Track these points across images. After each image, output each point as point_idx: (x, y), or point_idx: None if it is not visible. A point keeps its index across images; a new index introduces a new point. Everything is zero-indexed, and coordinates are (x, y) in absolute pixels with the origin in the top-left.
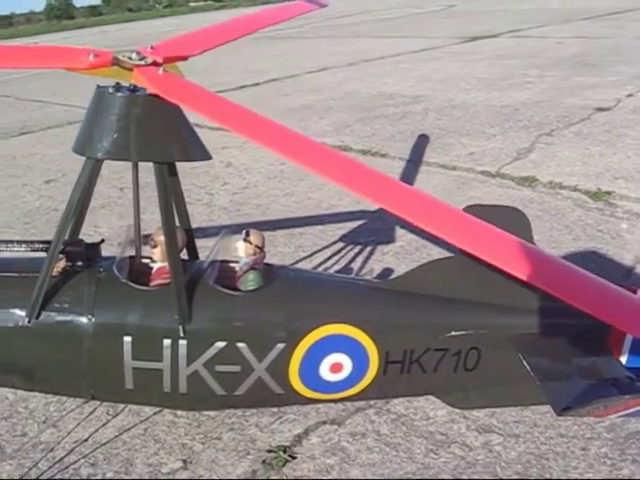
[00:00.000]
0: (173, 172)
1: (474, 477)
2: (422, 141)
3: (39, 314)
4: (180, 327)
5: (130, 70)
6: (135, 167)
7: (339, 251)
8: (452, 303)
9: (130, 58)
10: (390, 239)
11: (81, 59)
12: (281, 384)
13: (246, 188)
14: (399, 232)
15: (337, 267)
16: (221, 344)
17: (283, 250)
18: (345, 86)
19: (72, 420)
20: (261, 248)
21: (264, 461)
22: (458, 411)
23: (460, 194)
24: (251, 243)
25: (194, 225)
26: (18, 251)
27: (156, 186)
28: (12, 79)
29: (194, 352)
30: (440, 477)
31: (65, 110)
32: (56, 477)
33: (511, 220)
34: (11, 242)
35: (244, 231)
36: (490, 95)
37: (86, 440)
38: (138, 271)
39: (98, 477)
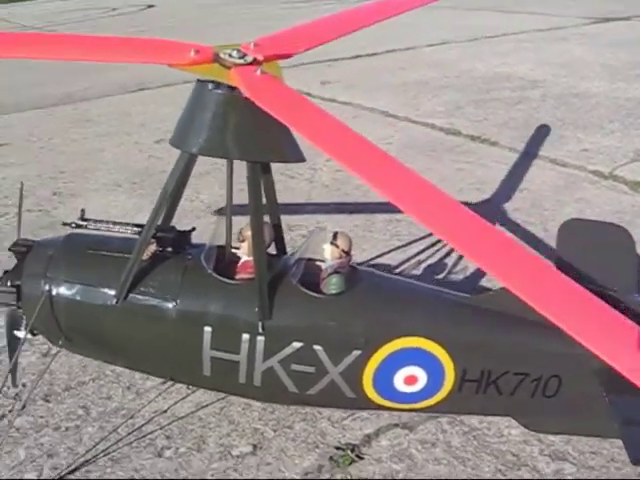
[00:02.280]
0: (267, 170)
1: None
2: (535, 131)
3: (127, 296)
4: (260, 323)
5: (229, 68)
6: (229, 164)
7: (435, 244)
8: (538, 327)
9: (230, 56)
10: None
11: (183, 55)
12: (354, 389)
13: None
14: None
15: (430, 261)
16: (298, 344)
17: (378, 237)
18: (463, 63)
19: (154, 390)
20: (347, 252)
21: (331, 457)
22: (533, 433)
23: (568, 194)
24: (337, 247)
25: (293, 200)
26: (114, 231)
27: (247, 184)
28: (139, 31)
29: (271, 349)
30: None
31: None
32: (133, 444)
33: (612, 239)
34: (108, 222)
35: (332, 234)
36: (615, 85)
37: (165, 412)
38: (225, 263)
39: (171, 450)
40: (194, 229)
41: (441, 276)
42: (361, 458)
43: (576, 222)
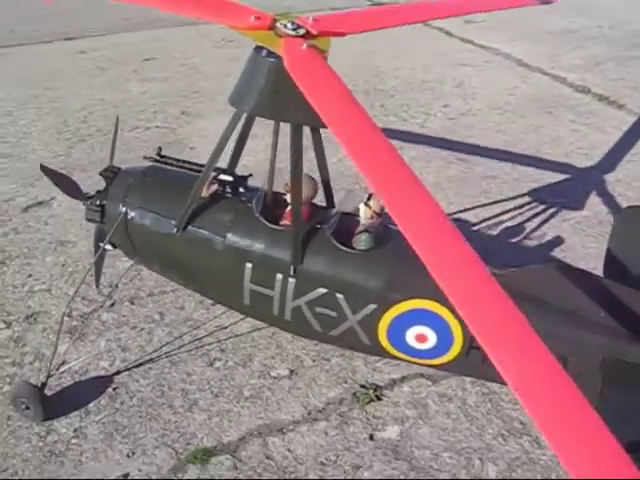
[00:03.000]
0: (316, 131)
1: (527, 475)
2: None
3: (185, 227)
4: (292, 267)
5: (280, 37)
6: (276, 124)
7: (521, 206)
8: (551, 311)
9: (285, 26)
10: (578, 205)
11: (243, 18)
12: (370, 338)
13: (464, 115)
14: (592, 200)
15: (510, 223)
16: (323, 290)
17: (468, 191)
18: (624, 13)
19: (221, 308)
20: (379, 214)
21: (354, 394)
22: None
23: None
24: (370, 207)
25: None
26: (185, 168)
27: (290, 143)
28: None
29: (300, 290)
30: (496, 463)
31: None
32: (192, 352)
33: None
34: (180, 161)
35: (367, 195)
36: None
37: (225, 328)
38: (274, 208)
39: (222, 362)
40: (251, 175)
41: (513, 240)
42: (380, 399)
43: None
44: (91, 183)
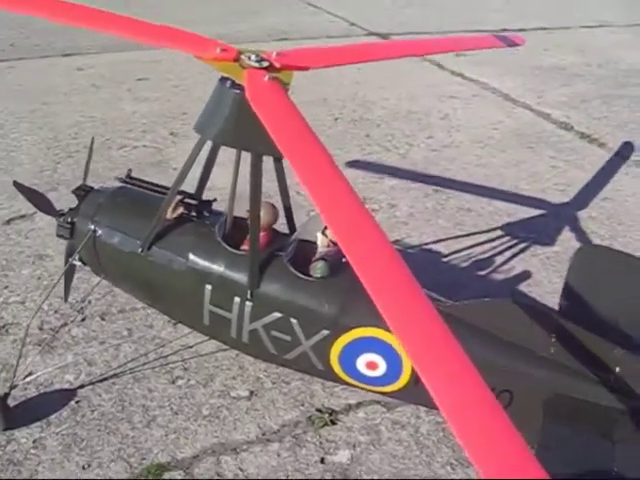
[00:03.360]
0: (278, 159)
1: None
2: None
3: (150, 247)
4: (249, 290)
5: (244, 69)
6: (238, 152)
7: (493, 239)
8: (501, 344)
9: (249, 58)
10: (549, 241)
11: (209, 50)
12: (323, 364)
13: (446, 147)
14: (564, 236)
15: (481, 256)
16: (278, 314)
17: (442, 223)
18: (612, 51)
19: (187, 328)
20: (335, 243)
21: (310, 417)
22: None
23: None
24: (327, 236)
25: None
26: (153, 191)
27: (250, 171)
28: None
29: (256, 314)
30: None
31: (330, 22)
32: (155, 369)
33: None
34: (149, 183)
35: (324, 225)
36: None
37: (190, 347)
38: (236, 233)
39: (184, 380)
40: (215, 200)
41: (482, 272)
42: (334, 423)
43: (597, 249)
44: (69, 201)
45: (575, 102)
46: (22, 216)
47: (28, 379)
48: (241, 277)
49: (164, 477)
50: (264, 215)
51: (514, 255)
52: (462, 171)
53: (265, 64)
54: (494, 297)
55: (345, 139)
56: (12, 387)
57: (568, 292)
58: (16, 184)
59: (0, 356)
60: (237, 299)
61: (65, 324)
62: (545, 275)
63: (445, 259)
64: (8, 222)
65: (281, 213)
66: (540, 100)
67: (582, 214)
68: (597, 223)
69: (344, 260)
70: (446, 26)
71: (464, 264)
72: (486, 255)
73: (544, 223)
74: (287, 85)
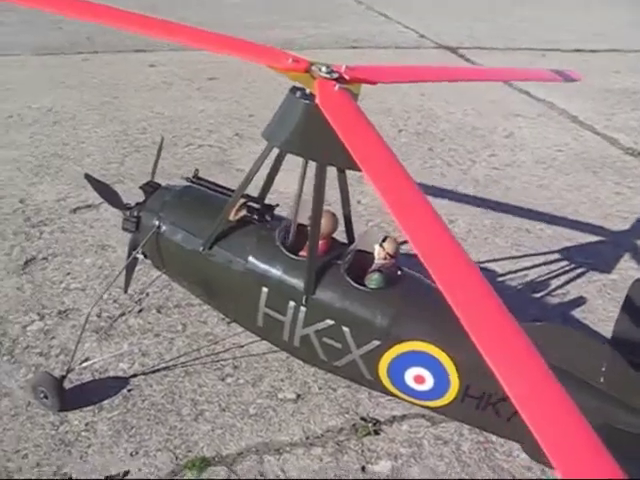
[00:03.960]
0: (342, 171)
1: None
2: None
3: (211, 247)
4: (304, 297)
5: (315, 79)
6: (305, 162)
7: (550, 262)
8: (550, 366)
9: (320, 70)
10: (607, 268)
11: (281, 60)
12: (371, 373)
13: (509, 165)
14: (622, 264)
15: (537, 279)
16: (331, 322)
17: (499, 242)
18: None
19: (240, 327)
20: (392, 256)
21: (354, 425)
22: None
23: None
24: (384, 249)
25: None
26: (218, 192)
27: (314, 181)
28: None
29: (309, 319)
30: None
31: (399, 32)
32: (206, 365)
33: None
34: (215, 184)
35: (383, 236)
36: None
37: (241, 346)
38: (296, 239)
39: (233, 378)
40: (278, 205)
41: (536, 295)
42: (377, 433)
43: None
44: (135, 194)
45: None
46: (88, 206)
47: (84, 365)
48: (297, 282)
49: (207, 471)
50: (324, 223)
51: (570, 280)
52: (523, 191)
53: (335, 75)
54: (547, 321)
55: (408, 151)
56: (69, 371)
57: (622, 322)
58: (87, 176)
59: (60, 340)
60: (292, 303)
61: (123, 314)
62: (600, 303)
63: (500, 279)
64: (74, 211)
65: (341, 222)
66: (608, 124)
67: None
68: None
69: (400, 273)
70: (516, 44)
71: (519, 286)
72: (542, 278)
73: (603, 250)
74: (356, 96)
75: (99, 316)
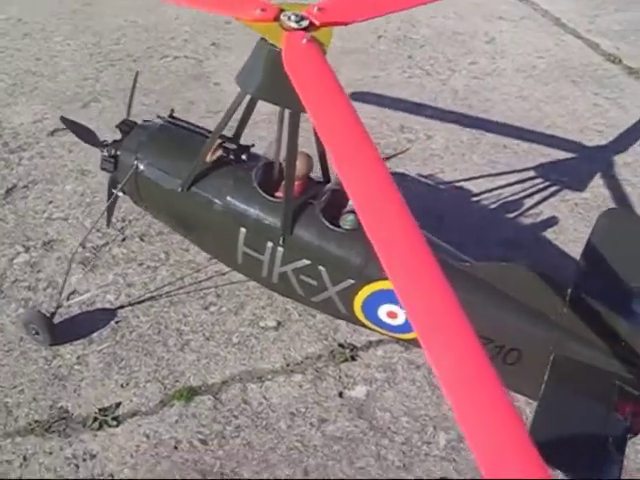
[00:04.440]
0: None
1: None
2: None
3: (189, 187)
4: (281, 237)
5: (284, 30)
6: (281, 111)
7: (524, 180)
8: (516, 306)
9: (289, 19)
10: (580, 186)
11: (248, 11)
12: (347, 309)
13: (489, 75)
14: (595, 182)
15: (510, 197)
16: (307, 261)
17: (476, 159)
18: None
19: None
20: None
21: (332, 352)
22: None
23: None
24: None
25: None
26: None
27: (288, 126)
28: None
29: (286, 258)
30: (448, 432)
31: None
32: (190, 294)
33: None
34: (190, 124)
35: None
36: None
37: (223, 274)
38: (272, 180)
39: (216, 307)
40: (253, 145)
41: (509, 215)
42: (354, 359)
43: (619, 213)
44: (115, 112)
45: (628, 31)
46: (65, 128)
47: (72, 299)
48: (274, 223)
49: (194, 400)
50: (299, 165)
51: (543, 199)
52: (502, 103)
53: (304, 23)
54: (521, 241)
55: (387, 60)
56: (58, 306)
57: (587, 257)
58: (62, 119)
59: (46, 273)
60: (270, 244)
61: (107, 243)
62: (572, 223)
63: (475, 198)
64: (52, 133)
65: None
66: (591, 27)
67: (617, 159)
68: (631, 170)
69: None
70: None
71: (493, 205)
72: (515, 197)
73: (577, 166)
74: (325, 45)
75: (83, 247)
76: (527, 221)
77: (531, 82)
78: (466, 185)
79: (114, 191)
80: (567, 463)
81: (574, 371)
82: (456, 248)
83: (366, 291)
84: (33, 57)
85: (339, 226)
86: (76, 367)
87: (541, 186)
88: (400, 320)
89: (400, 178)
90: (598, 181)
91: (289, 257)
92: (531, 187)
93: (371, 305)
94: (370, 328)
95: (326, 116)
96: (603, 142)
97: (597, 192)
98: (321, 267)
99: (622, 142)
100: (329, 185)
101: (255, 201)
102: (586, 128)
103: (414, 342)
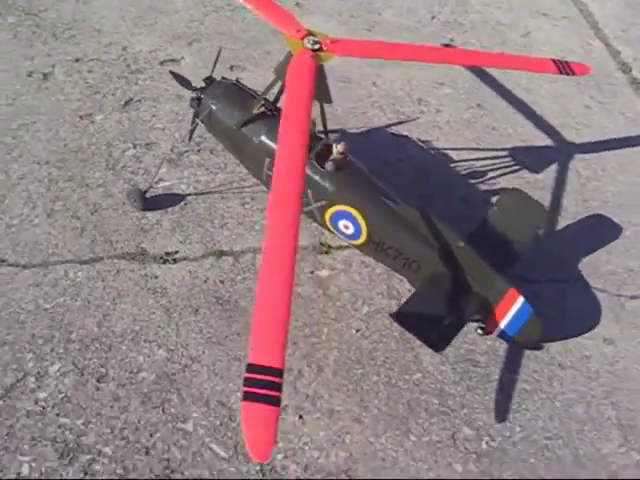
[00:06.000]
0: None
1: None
2: None
3: (240, 127)
4: None
5: (302, 46)
6: None
7: (496, 158)
8: (419, 233)
9: (309, 41)
10: (538, 169)
11: (289, 28)
12: (321, 220)
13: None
14: (552, 168)
15: (479, 169)
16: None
17: (467, 135)
18: None
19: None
20: (342, 153)
21: (314, 246)
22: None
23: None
24: (337, 149)
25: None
26: (249, 93)
27: None
28: None
29: None
30: (370, 305)
31: None
32: (235, 193)
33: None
34: (247, 87)
35: (335, 142)
36: None
37: (257, 185)
38: None
39: (250, 205)
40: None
41: (470, 181)
42: (327, 253)
43: (515, 191)
44: (210, 51)
45: None
46: (172, 60)
47: (159, 185)
48: None
49: (222, 258)
50: None
51: (504, 174)
52: (507, 93)
53: (317, 47)
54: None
55: (430, 41)
56: (150, 187)
57: (487, 219)
58: (171, 72)
59: (145, 164)
60: None
61: (187, 151)
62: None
63: (450, 164)
64: (162, 63)
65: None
66: (622, 34)
67: (577, 153)
68: (584, 163)
69: (348, 161)
70: None
71: (461, 172)
72: (483, 169)
73: (545, 154)
74: (322, 62)
75: (172, 150)
76: (483, 187)
77: (540, 78)
78: (450, 153)
79: (196, 119)
80: (412, 325)
81: (444, 279)
82: (424, 198)
83: (333, 209)
84: None
85: (324, 167)
86: (155, 226)
87: (507, 164)
88: (351, 231)
89: (403, 139)
90: (554, 167)
91: None
92: (499, 164)
93: (335, 219)
94: (334, 233)
95: (288, 110)
96: (575, 139)
97: (548, 176)
98: (309, 190)
99: (592, 141)
100: (322, 141)
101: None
102: (567, 125)
103: (359, 247)
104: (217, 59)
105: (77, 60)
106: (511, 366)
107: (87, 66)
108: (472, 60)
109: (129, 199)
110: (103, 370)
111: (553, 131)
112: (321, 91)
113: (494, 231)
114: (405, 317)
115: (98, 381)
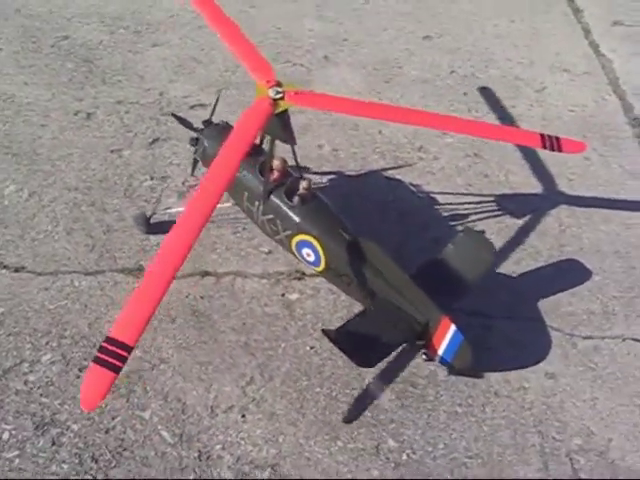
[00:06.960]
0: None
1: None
2: None
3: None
4: (262, 200)
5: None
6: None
7: (482, 202)
8: (370, 265)
9: (274, 91)
10: (520, 216)
11: (261, 77)
12: (289, 247)
13: (518, 119)
14: (534, 215)
15: (462, 212)
16: (272, 216)
17: (458, 181)
18: None
19: None
20: (307, 189)
21: (290, 272)
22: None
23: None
24: (305, 184)
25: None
26: None
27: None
28: None
29: (264, 213)
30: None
31: None
32: (226, 222)
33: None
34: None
35: (301, 179)
36: None
37: (244, 218)
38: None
39: (240, 234)
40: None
41: (451, 224)
42: (300, 280)
43: (475, 233)
44: (235, 98)
45: None
46: (201, 104)
47: (165, 212)
48: (260, 192)
49: (206, 277)
50: (278, 164)
51: (485, 218)
52: (507, 144)
53: (278, 96)
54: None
55: (445, 93)
56: (153, 213)
57: (435, 256)
58: (173, 115)
59: (157, 194)
60: (257, 203)
61: (195, 185)
62: (495, 240)
63: (434, 207)
64: (192, 107)
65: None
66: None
67: (566, 207)
68: (569, 212)
69: (312, 198)
70: None
71: (442, 214)
72: (464, 212)
73: (531, 201)
74: (277, 110)
75: (183, 184)
76: (458, 229)
77: (548, 130)
78: (437, 197)
79: (195, 156)
80: (339, 341)
81: (386, 305)
82: (401, 236)
83: (297, 238)
84: (199, 47)
85: (292, 200)
86: (154, 247)
87: (490, 208)
88: (312, 258)
89: (396, 182)
90: (537, 214)
91: (265, 212)
92: (482, 208)
93: (299, 247)
94: (299, 260)
95: (225, 150)
96: (566, 190)
97: (529, 221)
98: (278, 220)
99: (579, 190)
100: (292, 178)
101: (254, 179)
102: (561, 174)
103: (320, 274)
104: (216, 104)
105: (119, 102)
106: (448, 390)
107: (126, 107)
108: (445, 126)
109: (136, 222)
110: (85, 363)
111: (546, 180)
112: (286, 134)
113: (442, 266)
114: (334, 334)
115: (80, 370)
